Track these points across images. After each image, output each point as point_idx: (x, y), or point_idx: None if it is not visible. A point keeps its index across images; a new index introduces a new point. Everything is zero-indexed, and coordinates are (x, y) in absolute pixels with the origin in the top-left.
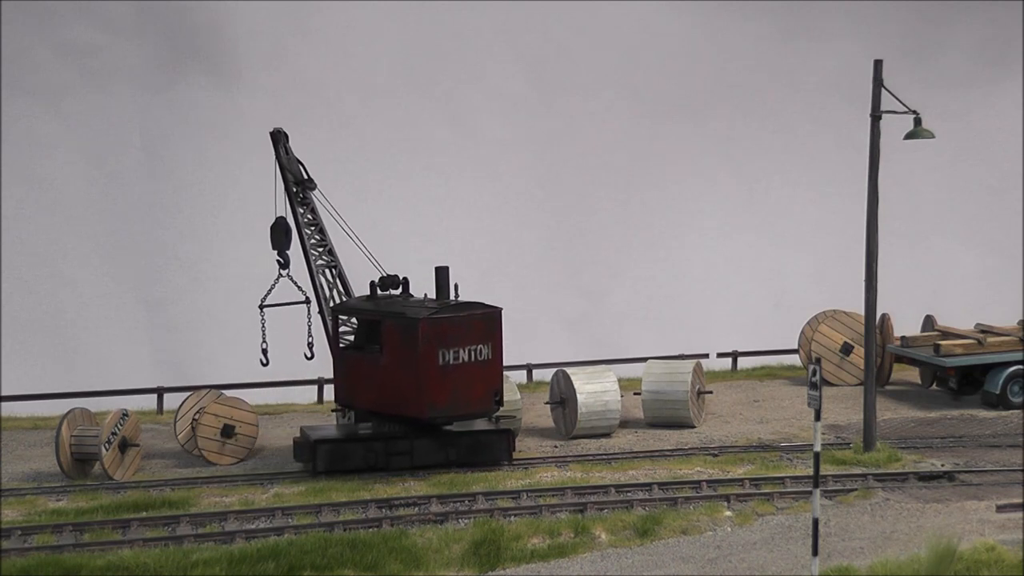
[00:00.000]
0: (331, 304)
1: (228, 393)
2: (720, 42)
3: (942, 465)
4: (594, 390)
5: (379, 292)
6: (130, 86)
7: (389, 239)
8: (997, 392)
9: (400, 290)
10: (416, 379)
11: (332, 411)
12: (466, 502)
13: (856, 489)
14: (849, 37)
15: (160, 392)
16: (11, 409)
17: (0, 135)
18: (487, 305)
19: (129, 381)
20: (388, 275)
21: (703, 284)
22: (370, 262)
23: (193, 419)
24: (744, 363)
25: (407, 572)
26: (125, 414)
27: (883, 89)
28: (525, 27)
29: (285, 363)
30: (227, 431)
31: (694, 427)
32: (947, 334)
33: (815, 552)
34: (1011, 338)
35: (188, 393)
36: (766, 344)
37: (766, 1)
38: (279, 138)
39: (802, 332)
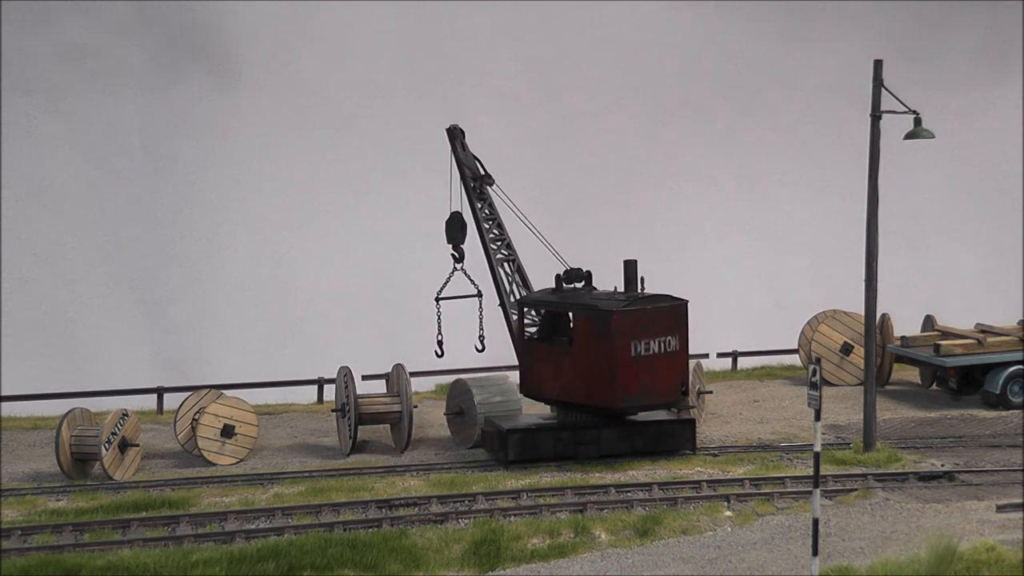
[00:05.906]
0: (511, 297)
1: (228, 393)
2: (720, 42)
3: (942, 465)
4: None
5: (564, 285)
6: (130, 86)
7: (389, 239)
8: (997, 392)
9: (584, 283)
10: (609, 370)
11: (332, 411)
12: (466, 502)
13: (856, 489)
14: (849, 37)
15: (160, 392)
16: (11, 409)
17: (0, 135)
18: (674, 297)
19: (129, 381)
20: (572, 268)
21: (703, 284)
22: (555, 257)
23: (193, 419)
24: (744, 363)
25: (407, 572)
26: (125, 414)
27: (883, 89)
28: (525, 27)
29: (285, 363)
30: (227, 431)
31: None
32: (947, 334)
33: (815, 552)
34: (1011, 338)
35: (188, 393)
36: (766, 344)
37: (766, 1)
38: (456, 134)
39: (802, 332)
